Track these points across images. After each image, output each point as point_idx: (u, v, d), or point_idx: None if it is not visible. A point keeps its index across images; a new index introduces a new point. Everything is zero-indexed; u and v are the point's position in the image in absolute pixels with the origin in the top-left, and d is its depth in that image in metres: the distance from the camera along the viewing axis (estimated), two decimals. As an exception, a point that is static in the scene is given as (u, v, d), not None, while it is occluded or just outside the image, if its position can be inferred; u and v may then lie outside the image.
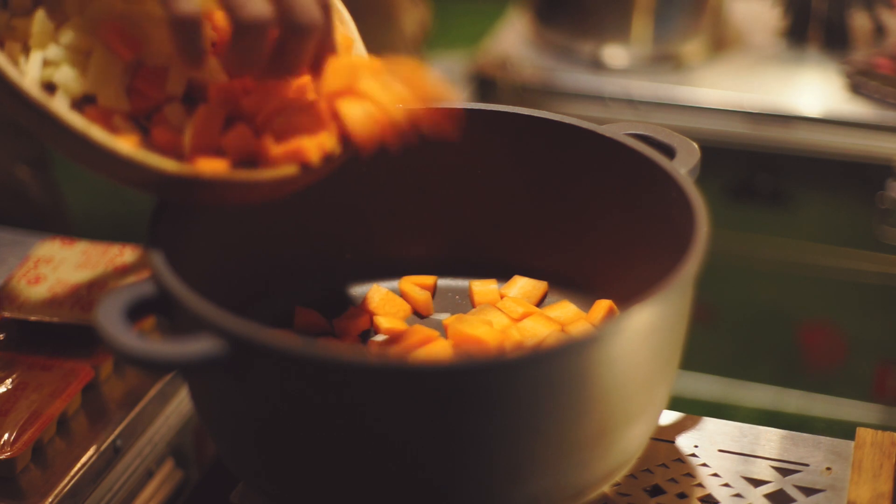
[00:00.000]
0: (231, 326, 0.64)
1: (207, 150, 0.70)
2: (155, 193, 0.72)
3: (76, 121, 0.67)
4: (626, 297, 0.80)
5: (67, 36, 0.71)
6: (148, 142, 0.70)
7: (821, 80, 1.56)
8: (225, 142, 0.70)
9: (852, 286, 1.55)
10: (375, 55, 0.79)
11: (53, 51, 0.71)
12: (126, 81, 0.72)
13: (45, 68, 0.71)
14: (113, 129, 0.70)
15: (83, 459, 0.85)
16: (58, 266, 0.99)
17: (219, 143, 0.70)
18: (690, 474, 0.79)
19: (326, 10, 0.70)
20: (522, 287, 0.86)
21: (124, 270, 0.98)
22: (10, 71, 0.67)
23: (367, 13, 0.82)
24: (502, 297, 0.86)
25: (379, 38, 0.82)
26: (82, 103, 0.71)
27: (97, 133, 0.67)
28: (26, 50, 0.72)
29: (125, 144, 0.68)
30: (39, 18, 0.71)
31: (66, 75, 0.71)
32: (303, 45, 0.69)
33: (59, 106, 0.67)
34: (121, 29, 0.72)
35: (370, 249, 0.88)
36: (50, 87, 0.71)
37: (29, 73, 0.70)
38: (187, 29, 0.67)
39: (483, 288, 0.86)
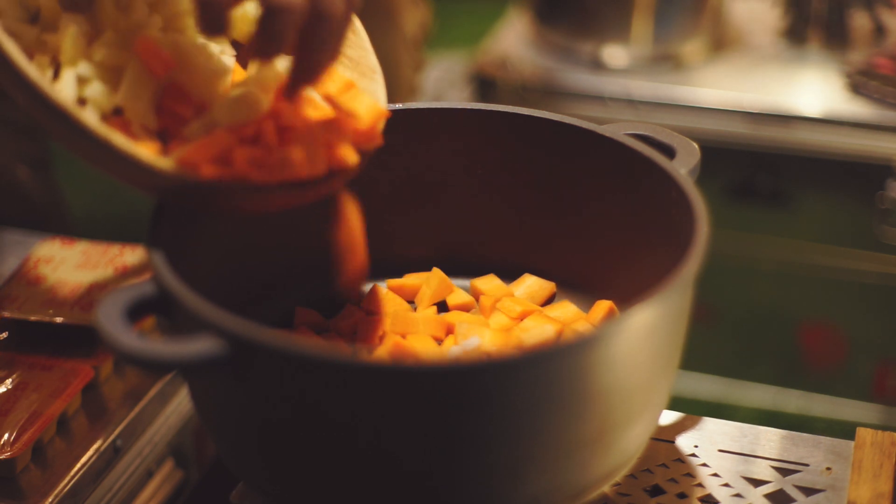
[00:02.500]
0: (231, 326, 0.64)
1: (221, 162, 0.70)
2: (174, 200, 0.72)
3: (100, 129, 0.67)
4: (626, 297, 0.80)
5: (100, 53, 0.72)
6: (166, 150, 0.71)
7: (821, 80, 1.56)
8: (237, 155, 0.71)
9: (852, 286, 1.55)
10: (377, 56, 0.79)
11: (84, 67, 0.71)
12: (157, 99, 0.72)
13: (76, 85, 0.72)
14: (132, 136, 0.70)
15: (83, 459, 0.85)
16: (58, 266, 0.99)
17: (232, 156, 0.71)
18: (690, 474, 0.79)
19: (349, 6, 0.70)
20: (529, 286, 0.86)
21: (126, 271, 0.98)
22: (40, 80, 0.67)
23: (368, 14, 0.82)
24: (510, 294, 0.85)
25: (379, 38, 0.82)
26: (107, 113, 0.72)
27: (119, 139, 0.67)
28: (55, 63, 0.72)
29: (146, 151, 0.68)
30: (71, 35, 0.71)
31: (96, 91, 0.71)
32: (326, 34, 0.70)
33: (89, 118, 0.67)
34: (156, 46, 0.72)
35: (370, 249, 0.88)
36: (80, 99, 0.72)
37: (63, 91, 0.70)
38: (211, 7, 0.67)
39: (486, 285, 0.86)
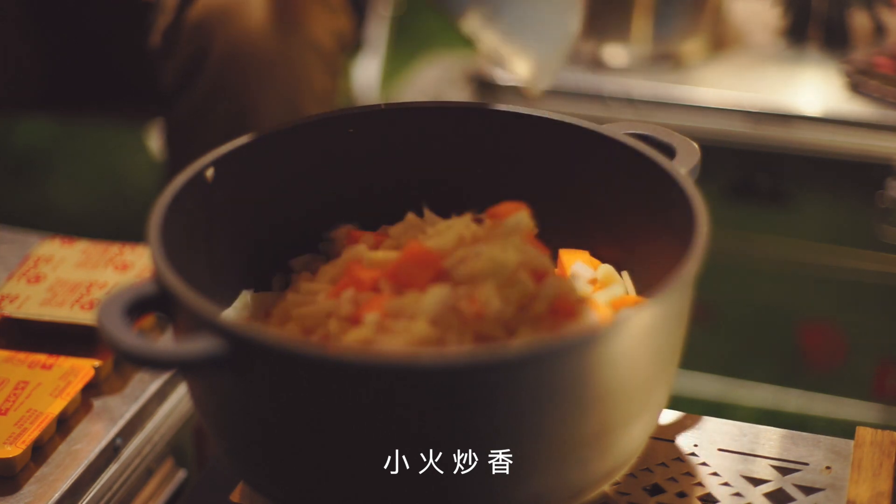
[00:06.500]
0: (231, 325, 0.64)
1: None
2: None
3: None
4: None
5: None
6: None
7: (821, 79, 1.56)
8: None
9: (852, 286, 1.54)
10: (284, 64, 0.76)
11: None
12: None
13: None
14: None
15: (83, 458, 0.85)
16: (58, 265, 0.99)
17: None
18: (690, 473, 0.79)
19: None
20: None
21: (126, 270, 0.98)
22: None
23: (273, 20, 0.79)
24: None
25: (285, 44, 0.78)
26: None
27: None
28: None
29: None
30: None
31: None
32: None
33: None
34: None
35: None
36: None
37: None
38: None
39: None
